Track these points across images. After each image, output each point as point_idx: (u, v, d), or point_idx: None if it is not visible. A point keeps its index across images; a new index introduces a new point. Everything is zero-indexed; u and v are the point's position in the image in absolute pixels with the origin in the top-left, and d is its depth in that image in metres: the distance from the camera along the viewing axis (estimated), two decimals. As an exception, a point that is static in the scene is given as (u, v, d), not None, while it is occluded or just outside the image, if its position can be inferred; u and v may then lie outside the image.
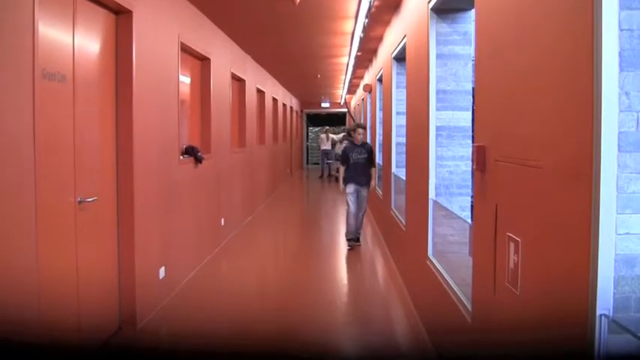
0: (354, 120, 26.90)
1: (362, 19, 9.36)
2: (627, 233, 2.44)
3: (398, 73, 9.85)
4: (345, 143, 26.46)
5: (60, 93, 4.93)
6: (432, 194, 6.22)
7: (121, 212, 6.17)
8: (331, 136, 27.85)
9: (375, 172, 11.15)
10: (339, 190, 11.26)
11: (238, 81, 13.26)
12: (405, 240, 8.03)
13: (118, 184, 6.13)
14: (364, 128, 11.07)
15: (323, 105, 31.65)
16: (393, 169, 10.20)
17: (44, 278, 4.52)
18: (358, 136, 10.77)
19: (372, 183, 11.09)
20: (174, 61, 7.83)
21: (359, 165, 10.73)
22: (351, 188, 10.80)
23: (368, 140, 17.45)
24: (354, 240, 10.99)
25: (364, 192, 10.95)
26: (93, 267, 5.60)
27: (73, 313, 5.19)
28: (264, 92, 17.07)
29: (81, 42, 5.31)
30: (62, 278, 5.03)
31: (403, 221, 8.32)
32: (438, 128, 6.21)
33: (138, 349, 5.97)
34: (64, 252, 5.06)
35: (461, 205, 6.24)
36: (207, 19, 9.72)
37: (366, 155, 10.72)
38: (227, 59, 11.53)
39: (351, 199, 10.81)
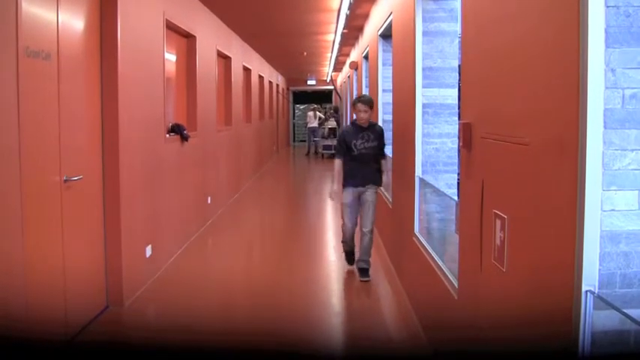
0: (340, 97, 26.82)
1: (348, -4, 9.33)
2: (612, 210, 2.45)
3: (384, 51, 9.82)
4: (331, 121, 26.67)
5: (44, 71, 4.89)
6: (418, 171, 6.23)
7: (106, 190, 6.15)
8: (318, 114, 27.87)
9: (385, 165, 7.87)
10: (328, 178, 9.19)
11: (224, 58, 13.20)
12: (392, 217, 8.04)
13: (103, 162, 6.11)
14: (371, 104, 7.46)
15: (309, 82, 31.58)
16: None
17: (30, 257, 4.51)
18: (362, 115, 7.33)
19: (383, 179, 7.78)
20: (160, 39, 7.78)
21: (365, 158, 7.40)
22: (348, 196, 7.49)
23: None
24: (362, 270, 7.56)
25: (370, 195, 7.49)
26: (79, 246, 5.59)
27: (59, 293, 5.18)
28: (250, 70, 17.01)
29: (65, 19, 5.26)
30: (48, 257, 5.01)
31: (390, 198, 8.33)
32: (424, 105, 6.20)
33: (125, 328, 5.99)
34: (50, 231, 5.04)
35: (447, 183, 6.25)
36: (192, -4, 9.66)
37: (375, 143, 7.41)
38: (213, 37, 11.47)
39: (347, 212, 7.59)
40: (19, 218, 4.37)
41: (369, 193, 7.50)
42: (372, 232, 7.53)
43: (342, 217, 7.80)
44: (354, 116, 7.50)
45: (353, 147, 7.35)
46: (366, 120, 7.35)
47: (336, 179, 7.55)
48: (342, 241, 7.94)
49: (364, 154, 7.38)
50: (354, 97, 8.13)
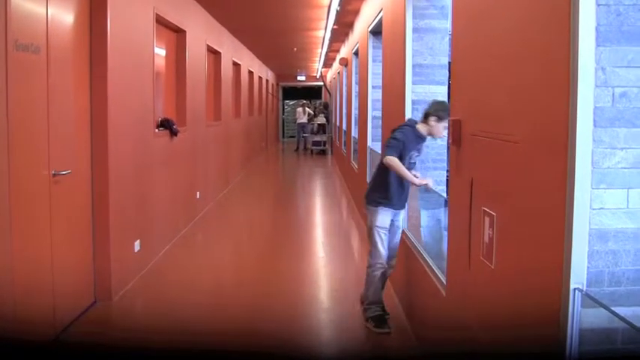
0: (329, 93, 26.80)
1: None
2: (601, 208, 2.46)
3: (374, 47, 9.83)
4: (321, 117, 26.65)
5: (34, 64, 4.87)
6: (407, 168, 6.23)
7: (95, 185, 6.13)
8: (308, 109, 27.89)
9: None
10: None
11: (214, 53, 13.17)
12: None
13: (92, 156, 6.08)
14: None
15: (299, 78, 31.55)
16: (369, 142, 10.19)
17: (18, 252, 4.49)
18: (445, 133, 5.41)
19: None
20: (150, 33, 7.75)
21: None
22: (386, 218, 5.74)
23: (344, 115, 17.29)
24: (381, 313, 5.77)
25: (400, 220, 5.90)
26: (67, 240, 5.57)
27: (47, 288, 5.16)
28: (240, 65, 16.99)
29: (55, 13, 5.23)
30: (36, 252, 4.99)
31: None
32: (413, 102, 6.21)
33: (113, 324, 5.98)
34: (38, 226, 5.02)
35: (436, 180, 6.26)
36: (182, -9, 9.63)
37: (419, 156, 5.82)
38: (203, 31, 11.44)
39: (383, 241, 5.72)
40: (7, 213, 4.35)
41: (401, 217, 5.91)
42: (395, 258, 5.92)
43: (375, 248, 5.73)
44: (429, 126, 5.53)
45: (406, 158, 5.52)
46: (443, 134, 5.50)
47: (404, 170, 5.41)
48: (366, 299, 5.85)
49: (409, 169, 5.58)
50: (436, 104, 5.56)
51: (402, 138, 5.49)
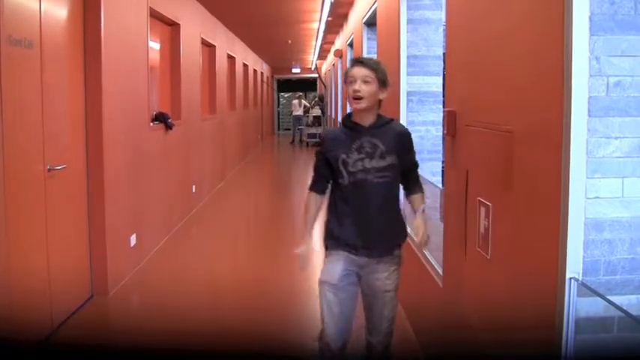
0: (324, 85, 26.79)
1: (333, -16, 9.31)
2: (597, 197, 2.45)
3: (369, 39, 9.80)
4: (316, 109, 26.62)
5: (27, 59, 4.85)
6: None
7: (90, 180, 6.12)
8: (303, 102, 27.90)
9: (422, 200, 3.78)
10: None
11: (208, 47, 13.15)
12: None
13: (87, 151, 6.07)
14: (380, 72, 3.60)
15: (294, 70, 31.56)
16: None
17: (14, 247, 4.49)
18: (356, 88, 3.52)
19: (421, 233, 3.60)
20: (144, 27, 7.73)
21: (368, 192, 3.54)
22: (334, 268, 3.68)
23: (339, 107, 17.27)
24: None
25: (387, 277, 3.66)
26: (63, 235, 5.56)
27: (44, 282, 5.15)
28: (234, 58, 16.97)
29: (48, 7, 5.21)
30: (32, 247, 4.98)
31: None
32: (408, 93, 6.20)
33: (109, 318, 5.98)
34: (34, 220, 5.01)
35: (432, 170, 6.25)
36: (175, -16, 9.61)
37: (391, 159, 3.55)
38: (197, 25, 11.42)
39: (330, 305, 3.63)
40: (2, 207, 4.34)
41: (385, 274, 3.67)
42: (389, 347, 3.80)
43: (322, 311, 3.69)
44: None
45: (341, 168, 3.55)
46: (366, 103, 3.57)
47: (306, 224, 3.85)
48: None
49: (365, 185, 3.53)
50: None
51: (320, 155, 3.70)
